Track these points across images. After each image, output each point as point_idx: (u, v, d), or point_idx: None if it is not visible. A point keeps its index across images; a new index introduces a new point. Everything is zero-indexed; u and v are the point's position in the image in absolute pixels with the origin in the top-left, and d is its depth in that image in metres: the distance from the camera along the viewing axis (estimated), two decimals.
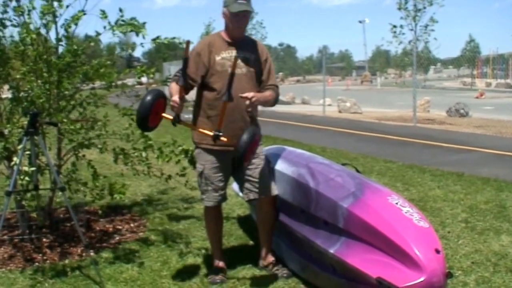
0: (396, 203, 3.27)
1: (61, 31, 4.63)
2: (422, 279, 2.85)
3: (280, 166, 4.02)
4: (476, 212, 5.52)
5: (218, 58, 3.74)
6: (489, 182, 6.89)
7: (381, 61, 69.90)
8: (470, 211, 5.56)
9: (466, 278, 3.84)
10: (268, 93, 3.83)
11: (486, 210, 5.60)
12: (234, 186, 4.63)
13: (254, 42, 4.00)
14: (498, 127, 13.50)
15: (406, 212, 3.19)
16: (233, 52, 3.75)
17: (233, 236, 4.88)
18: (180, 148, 5.10)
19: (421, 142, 11.06)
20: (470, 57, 39.26)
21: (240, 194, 4.18)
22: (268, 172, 3.93)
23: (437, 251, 2.96)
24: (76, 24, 4.59)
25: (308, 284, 3.78)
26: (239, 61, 3.69)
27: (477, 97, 26.20)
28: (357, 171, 4.09)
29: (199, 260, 4.31)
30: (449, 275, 2.98)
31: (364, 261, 3.10)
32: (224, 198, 3.94)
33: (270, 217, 4.00)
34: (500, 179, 7.00)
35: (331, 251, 3.32)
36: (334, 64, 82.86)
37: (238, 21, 3.74)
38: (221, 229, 4.14)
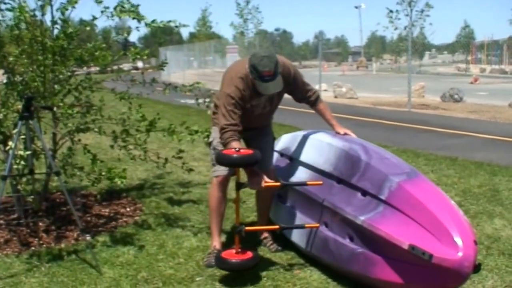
0: (445, 195, 3.32)
1: (57, 14, 4.62)
2: (458, 255, 2.89)
3: (330, 140, 4.03)
4: (470, 196, 5.56)
5: (248, 105, 3.81)
6: (482, 166, 6.93)
7: (376, 46, 69.85)
8: (464, 195, 5.60)
9: None
10: (328, 112, 4.18)
11: (480, 194, 5.65)
12: None
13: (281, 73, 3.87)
14: (492, 112, 13.55)
15: (453, 204, 3.24)
16: (260, 100, 3.86)
17: (229, 219, 4.90)
18: (189, 129, 5.13)
19: (415, 127, 11.10)
20: (465, 43, 39.30)
21: None
22: (271, 151, 4.15)
23: (475, 243, 3.00)
24: (73, 7, 4.57)
25: (303, 264, 3.83)
26: (264, 103, 3.91)
27: (471, 83, 26.23)
28: None
29: (195, 244, 4.34)
30: (477, 267, 3.01)
31: (399, 230, 3.13)
32: (233, 171, 3.99)
33: (268, 193, 4.11)
34: (494, 164, 7.05)
35: (362, 218, 3.34)
36: (330, 50, 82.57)
37: (264, 94, 3.77)
38: (224, 211, 4.14)
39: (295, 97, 4.11)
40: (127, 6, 4.59)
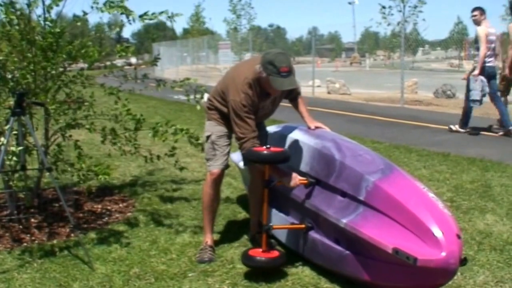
0: (423, 188, 3.31)
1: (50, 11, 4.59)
2: (441, 255, 2.88)
3: (301, 137, 4.01)
4: (462, 192, 5.58)
5: (255, 109, 3.81)
6: (474, 162, 6.96)
7: (370, 42, 69.87)
8: (456, 191, 5.62)
9: None
10: (305, 106, 4.20)
11: (472, 189, 5.67)
12: (233, 156, 4.72)
13: None
14: (485, 108, 13.53)
15: (432, 197, 3.23)
16: (266, 102, 3.87)
17: (221, 215, 4.91)
18: (174, 127, 5.09)
19: (408, 123, 11.12)
20: (458, 39, 39.31)
21: (240, 164, 4.39)
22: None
23: (458, 237, 2.99)
24: (57, 5, 4.53)
25: (295, 259, 3.83)
26: (268, 105, 3.94)
27: (464, 79, 26.23)
28: None
29: (187, 240, 4.34)
30: (463, 261, 3.01)
31: (381, 232, 3.11)
32: (228, 164, 4.07)
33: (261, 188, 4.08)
34: (486, 159, 7.07)
35: (344, 221, 3.32)
36: (324, 46, 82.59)
37: (277, 91, 3.76)
38: (217, 207, 4.18)
39: (287, 97, 4.14)
40: (116, 1, 4.55)
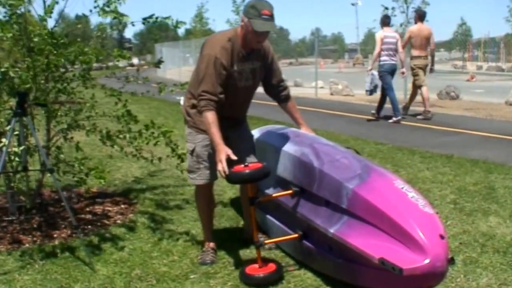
0: (402, 188, 3.28)
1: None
2: (426, 262, 2.86)
3: (282, 144, 3.99)
4: (465, 194, 5.56)
5: (231, 70, 3.67)
6: (478, 164, 6.93)
7: (373, 44, 69.91)
8: (459, 193, 5.60)
9: None
10: (297, 111, 4.24)
11: (475, 191, 5.64)
12: None
13: (262, 47, 3.83)
14: (488, 109, 13.53)
15: (411, 197, 3.20)
16: (244, 65, 3.72)
17: (224, 217, 4.90)
18: (160, 129, 5.06)
19: (411, 124, 11.08)
20: (462, 40, 39.33)
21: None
22: (253, 153, 4.01)
23: (442, 237, 2.97)
24: (51, 12, 4.51)
25: (297, 262, 3.82)
26: (247, 73, 3.76)
27: (468, 80, 26.19)
28: (358, 154, 4.08)
29: (189, 241, 4.33)
30: (451, 260, 2.99)
31: (367, 242, 3.10)
32: (216, 176, 3.92)
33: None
34: (489, 161, 7.04)
35: (331, 230, 3.31)
36: (327, 47, 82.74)
37: (258, 37, 3.63)
38: (213, 209, 4.17)
39: (268, 83, 4.01)
40: (112, 6, 4.53)
